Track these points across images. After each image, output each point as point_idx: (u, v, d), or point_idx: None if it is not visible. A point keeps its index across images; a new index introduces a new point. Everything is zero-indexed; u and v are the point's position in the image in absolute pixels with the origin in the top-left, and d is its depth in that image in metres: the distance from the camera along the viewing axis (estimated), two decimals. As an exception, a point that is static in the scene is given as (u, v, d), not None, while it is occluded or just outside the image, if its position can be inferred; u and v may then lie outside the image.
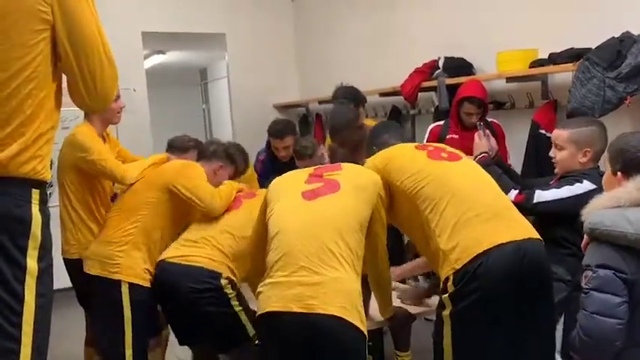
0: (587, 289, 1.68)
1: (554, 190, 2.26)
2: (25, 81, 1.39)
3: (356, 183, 2.10)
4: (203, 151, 2.92)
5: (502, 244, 1.91)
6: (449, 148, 2.33)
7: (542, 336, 2.01)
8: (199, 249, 2.48)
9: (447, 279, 1.96)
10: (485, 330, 1.92)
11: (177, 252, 2.50)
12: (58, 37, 1.42)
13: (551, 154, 2.40)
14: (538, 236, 2.00)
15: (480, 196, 2.06)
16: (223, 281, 2.41)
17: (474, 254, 1.91)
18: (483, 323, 1.92)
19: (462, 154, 2.31)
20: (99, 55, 1.46)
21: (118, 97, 2.77)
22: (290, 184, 2.16)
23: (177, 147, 3.05)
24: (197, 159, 2.89)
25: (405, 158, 2.25)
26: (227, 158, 2.91)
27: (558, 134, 2.36)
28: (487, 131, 2.69)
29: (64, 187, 2.75)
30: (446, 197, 2.03)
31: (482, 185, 2.13)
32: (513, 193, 2.31)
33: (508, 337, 1.93)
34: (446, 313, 1.96)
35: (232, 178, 3.00)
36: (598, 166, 2.32)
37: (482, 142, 2.58)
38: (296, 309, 1.80)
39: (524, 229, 1.99)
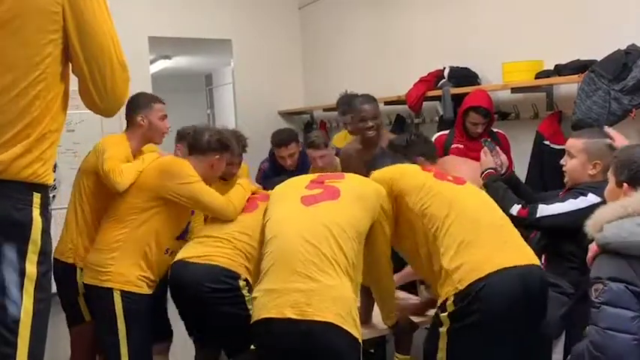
0: (598, 303, 1.62)
1: (557, 203, 2.25)
2: (34, 82, 1.38)
3: (357, 192, 2.10)
4: (195, 142, 2.69)
5: (506, 268, 1.92)
6: (453, 173, 2.36)
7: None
8: (218, 248, 2.43)
9: (446, 299, 1.96)
10: (482, 350, 1.93)
11: (196, 251, 2.44)
12: (69, 39, 1.40)
13: (562, 162, 2.39)
14: (539, 263, 2.02)
15: (485, 218, 2.08)
16: (241, 282, 2.37)
17: (478, 277, 1.91)
18: (480, 344, 1.92)
19: (465, 179, 2.33)
20: (110, 57, 1.44)
21: (165, 116, 2.77)
22: (290, 188, 2.17)
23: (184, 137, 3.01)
24: (189, 152, 2.73)
25: (412, 176, 2.26)
26: (222, 148, 2.70)
27: (573, 143, 2.35)
28: (497, 148, 2.67)
29: (80, 190, 2.69)
30: (451, 216, 2.04)
31: (487, 209, 2.15)
32: (516, 207, 2.30)
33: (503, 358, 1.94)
34: (443, 330, 1.97)
35: (228, 163, 2.91)
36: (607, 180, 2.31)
37: (488, 158, 2.57)
38: (291, 315, 1.80)
39: (526, 256, 2.01)
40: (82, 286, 2.63)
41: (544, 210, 2.25)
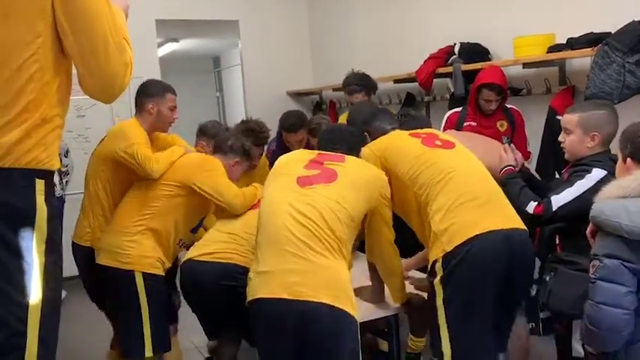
0: (594, 278, 1.69)
1: (567, 189, 2.22)
2: (27, 63, 1.32)
3: (354, 177, 2.09)
4: (220, 144, 2.83)
5: (492, 231, 1.99)
6: (441, 135, 2.38)
7: (512, 313, 2.18)
8: (227, 244, 2.46)
9: (435, 261, 2.02)
10: (475, 314, 2.01)
11: (205, 249, 2.47)
12: (57, 17, 1.34)
13: (560, 138, 2.38)
14: (524, 227, 2.09)
15: (474, 182, 2.13)
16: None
17: (465, 238, 1.97)
18: (470, 306, 2.00)
19: (455, 140, 2.35)
20: (104, 38, 1.37)
21: (175, 107, 2.80)
22: (290, 165, 2.16)
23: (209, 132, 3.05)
24: (213, 151, 2.84)
25: (401, 147, 2.28)
26: (244, 155, 2.83)
27: (567, 118, 2.34)
28: (512, 146, 2.68)
29: (96, 174, 2.72)
30: (442, 182, 2.09)
31: (476, 172, 2.20)
32: (532, 205, 2.27)
33: (493, 318, 2.04)
34: (439, 301, 2.02)
35: (246, 171, 2.97)
36: (609, 150, 2.29)
37: (509, 156, 2.56)
38: (285, 296, 1.81)
39: (512, 219, 2.09)
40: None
41: (557, 201, 2.23)
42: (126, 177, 2.66)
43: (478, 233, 1.97)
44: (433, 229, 2.04)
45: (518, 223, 2.09)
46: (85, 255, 2.71)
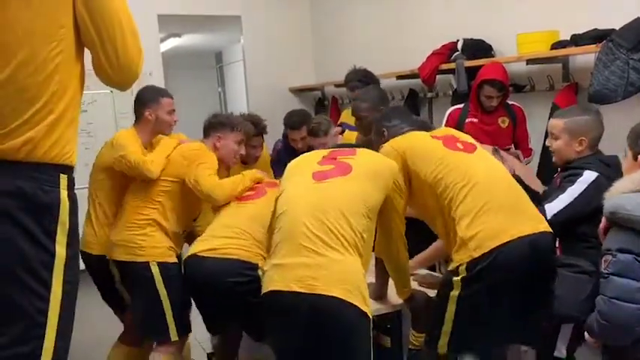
0: (606, 273, 1.68)
1: (560, 197, 2.23)
2: (51, 55, 1.37)
3: (369, 168, 2.09)
4: (203, 131, 2.85)
5: (519, 237, 1.96)
6: (462, 137, 2.34)
7: (534, 316, 2.11)
8: (232, 239, 2.45)
9: (460, 264, 2.00)
10: (489, 311, 1.99)
11: (209, 244, 2.46)
12: (77, 8, 1.39)
13: (547, 143, 2.39)
14: (549, 229, 2.06)
15: (498, 187, 2.10)
16: (260, 272, 2.35)
17: (494, 245, 1.94)
18: (488, 306, 1.98)
19: (476, 143, 2.32)
20: (119, 25, 1.43)
21: (173, 110, 2.83)
22: (303, 164, 2.18)
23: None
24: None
25: (423, 147, 2.26)
26: (223, 126, 2.80)
27: (554, 124, 2.36)
28: (501, 153, 2.67)
29: (97, 183, 2.80)
30: (467, 187, 2.06)
31: (499, 177, 2.17)
32: None
33: (507, 317, 2.02)
34: (454, 294, 2.00)
35: (247, 143, 2.97)
36: (598, 151, 2.31)
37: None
38: (297, 288, 1.82)
39: (537, 222, 2.06)
40: (116, 272, 2.71)
41: (551, 209, 2.23)
42: (126, 184, 2.73)
43: (507, 240, 1.95)
44: (460, 235, 2.01)
45: (544, 227, 2.06)
46: (94, 261, 2.77)
